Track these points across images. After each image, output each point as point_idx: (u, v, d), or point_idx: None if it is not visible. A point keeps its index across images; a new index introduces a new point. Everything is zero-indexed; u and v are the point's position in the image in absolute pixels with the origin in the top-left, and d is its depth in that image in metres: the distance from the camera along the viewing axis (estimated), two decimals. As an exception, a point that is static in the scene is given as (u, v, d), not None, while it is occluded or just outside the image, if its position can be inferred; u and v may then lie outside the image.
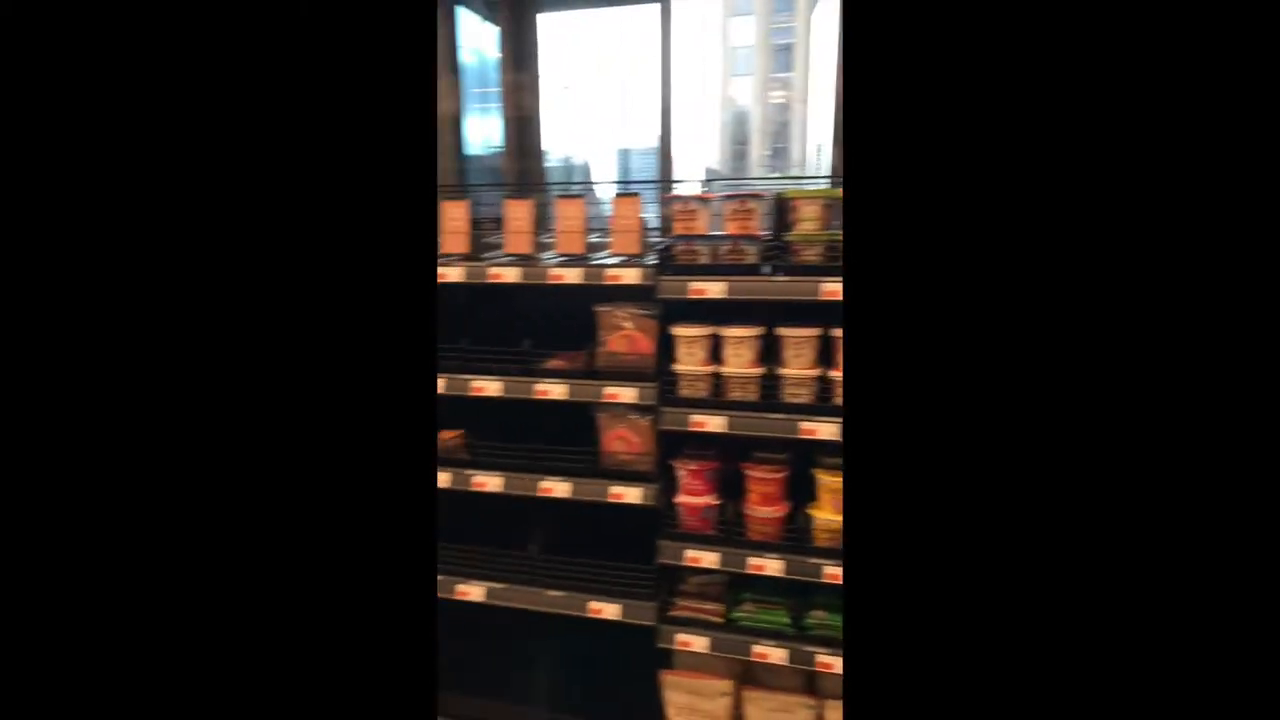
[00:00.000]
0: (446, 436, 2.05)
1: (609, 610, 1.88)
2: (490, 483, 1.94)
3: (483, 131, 3.79)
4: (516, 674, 2.10)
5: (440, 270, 1.90)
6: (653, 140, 3.56)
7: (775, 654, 1.81)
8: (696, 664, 1.95)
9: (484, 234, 2.06)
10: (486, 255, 1.98)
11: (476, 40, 3.67)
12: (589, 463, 1.89)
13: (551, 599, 1.93)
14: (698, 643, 1.85)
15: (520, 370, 1.89)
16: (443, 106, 3.49)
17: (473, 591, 1.99)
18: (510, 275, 1.85)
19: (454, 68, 3.47)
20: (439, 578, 2.03)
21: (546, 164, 3.81)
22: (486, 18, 3.57)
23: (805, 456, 1.85)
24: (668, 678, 1.96)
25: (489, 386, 1.90)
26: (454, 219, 1.98)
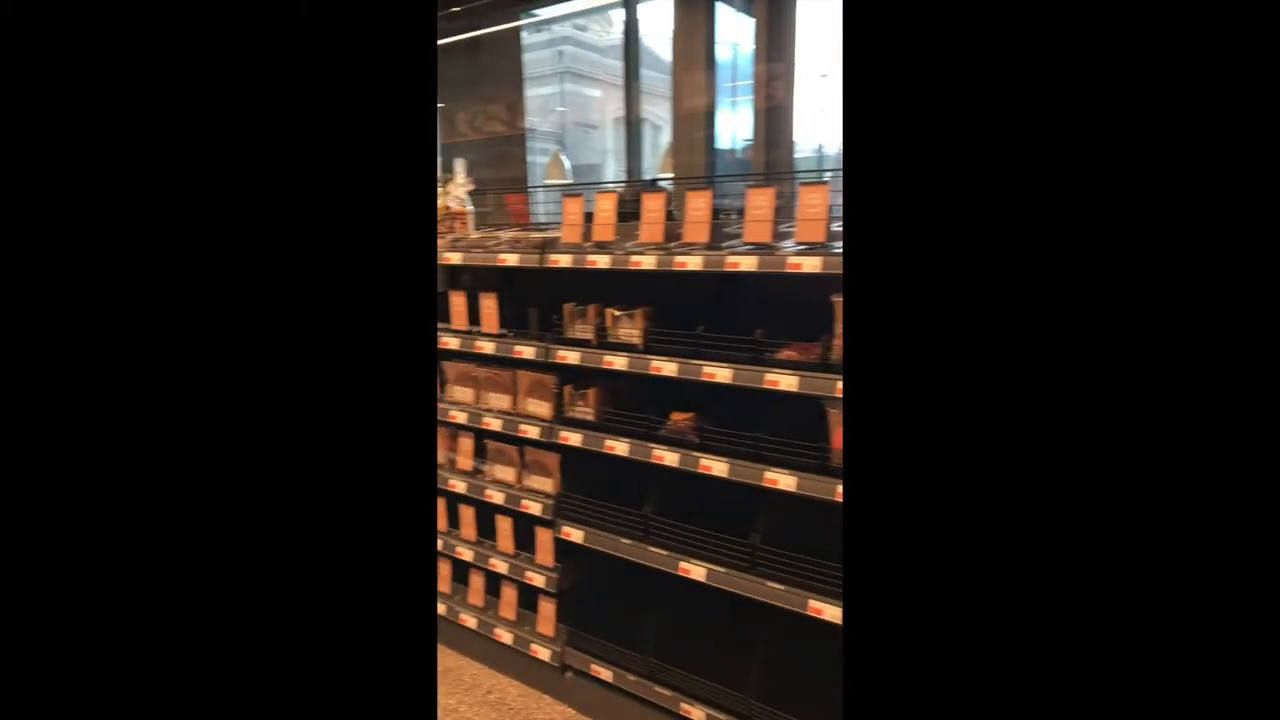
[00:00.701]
0: (679, 418, 2.14)
1: (829, 612, 1.82)
2: (716, 467, 1.98)
3: (734, 124, 3.84)
4: (729, 658, 2.13)
5: (680, 259, 1.98)
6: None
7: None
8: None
9: (725, 224, 2.10)
10: (725, 244, 2.02)
11: (731, 34, 3.72)
12: (817, 458, 1.84)
13: (771, 590, 1.92)
14: (925, 664, 1.72)
15: (751, 359, 1.90)
16: (696, 102, 3.60)
17: (694, 571, 2.05)
18: (747, 264, 1.86)
19: (709, 64, 3.56)
20: (663, 552, 2.13)
21: (797, 154, 3.75)
22: (742, 10, 3.60)
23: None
24: (889, 695, 1.85)
25: (719, 373, 1.94)
26: (696, 209, 2.05)
